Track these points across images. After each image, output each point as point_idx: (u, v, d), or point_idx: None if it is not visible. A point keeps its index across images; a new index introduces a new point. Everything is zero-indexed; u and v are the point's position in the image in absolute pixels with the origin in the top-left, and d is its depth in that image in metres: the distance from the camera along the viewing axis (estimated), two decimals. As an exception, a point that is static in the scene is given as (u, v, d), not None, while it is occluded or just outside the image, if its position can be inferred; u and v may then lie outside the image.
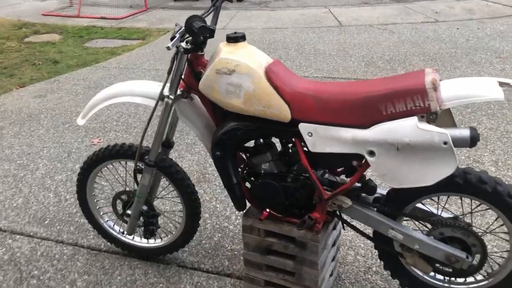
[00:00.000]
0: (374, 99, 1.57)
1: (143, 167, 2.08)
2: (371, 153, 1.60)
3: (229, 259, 2.37)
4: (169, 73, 1.88)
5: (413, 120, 1.52)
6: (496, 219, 1.70)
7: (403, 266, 1.87)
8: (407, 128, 1.52)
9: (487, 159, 3.11)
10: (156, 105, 1.93)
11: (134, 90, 2.02)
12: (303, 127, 1.69)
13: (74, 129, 4.00)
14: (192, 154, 3.44)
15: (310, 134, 1.68)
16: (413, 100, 1.51)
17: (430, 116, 1.52)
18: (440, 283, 1.85)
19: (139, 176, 2.12)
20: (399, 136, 1.53)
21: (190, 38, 1.78)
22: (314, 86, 1.71)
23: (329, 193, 1.77)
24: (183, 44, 1.79)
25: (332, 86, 1.70)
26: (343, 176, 1.89)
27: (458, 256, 1.67)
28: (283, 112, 1.69)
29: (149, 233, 2.23)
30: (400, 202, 1.75)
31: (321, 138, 1.67)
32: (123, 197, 2.26)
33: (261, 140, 1.90)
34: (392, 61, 5.37)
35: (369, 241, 2.40)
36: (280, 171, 1.87)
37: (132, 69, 5.62)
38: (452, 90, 1.51)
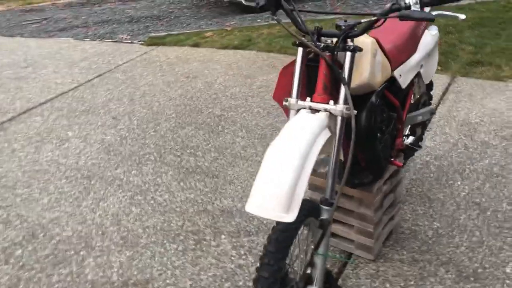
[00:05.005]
0: (419, 32, 2.21)
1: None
2: (421, 66, 2.26)
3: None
4: (344, 82, 1.61)
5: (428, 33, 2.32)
6: None
7: None
8: (429, 38, 2.30)
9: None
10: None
11: (312, 127, 1.52)
12: (396, 73, 2.06)
13: None
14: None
15: (400, 75, 2.08)
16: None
17: None
18: None
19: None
20: (428, 46, 2.28)
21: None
22: (381, 37, 2.04)
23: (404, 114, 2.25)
24: (350, 42, 1.61)
25: (388, 32, 2.10)
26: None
27: None
28: (390, 68, 1.99)
29: None
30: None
31: (405, 74, 2.12)
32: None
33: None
34: None
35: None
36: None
37: None
38: None
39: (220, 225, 2.54)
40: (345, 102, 1.65)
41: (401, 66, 2.09)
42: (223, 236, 2.46)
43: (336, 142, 1.66)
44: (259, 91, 4.06)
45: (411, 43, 2.20)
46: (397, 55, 2.05)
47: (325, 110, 1.65)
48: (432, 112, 2.62)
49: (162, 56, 5.19)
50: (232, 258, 2.31)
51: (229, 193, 2.79)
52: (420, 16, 1.54)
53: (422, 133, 2.71)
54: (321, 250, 1.70)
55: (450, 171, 2.83)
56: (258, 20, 6.10)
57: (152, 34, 5.81)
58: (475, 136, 3.15)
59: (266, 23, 5.80)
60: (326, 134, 1.59)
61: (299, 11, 1.70)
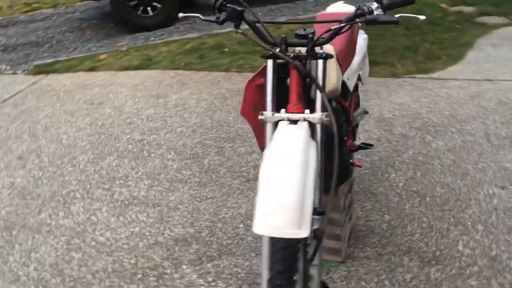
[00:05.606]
0: (355, 35, 2.28)
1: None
2: (361, 68, 2.34)
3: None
4: (321, 90, 1.59)
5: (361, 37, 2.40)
6: None
7: None
8: (362, 41, 2.39)
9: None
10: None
11: (301, 139, 1.46)
12: (345, 76, 2.11)
13: None
14: None
15: (348, 79, 2.14)
16: None
17: None
18: None
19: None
20: (363, 49, 2.38)
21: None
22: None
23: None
24: (320, 50, 1.61)
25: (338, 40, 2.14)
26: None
27: None
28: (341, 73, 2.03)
29: None
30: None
31: (351, 77, 2.19)
32: None
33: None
34: None
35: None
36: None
37: None
38: None
39: (178, 255, 2.38)
40: (322, 109, 1.65)
41: (348, 70, 2.16)
42: (184, 266, 2.30)
43: (319, 150, 1.64)
44: (176, 110, 3.92)
45: (352, 47, 2.27)
46: (345, 59, 2.11)
47: (304, 119, 1.63)
48: (366, 112, 2.75)
49: (56, 84, 4.76)
50: (201, 287, 2.18)
51: (177, 220, 2.64)
52: (385, 19, 1.58)
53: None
54: (316, 261, 1.68)
55: (383, 165, 2.99)
56: (152, 38, 5.90)
57: (37, 62, 5.31)
58: (393, 130, 3.38)
59: (161, 41, 5.64)
60: (313, 143, 1.58)
61: (264, 23, 1.66)
